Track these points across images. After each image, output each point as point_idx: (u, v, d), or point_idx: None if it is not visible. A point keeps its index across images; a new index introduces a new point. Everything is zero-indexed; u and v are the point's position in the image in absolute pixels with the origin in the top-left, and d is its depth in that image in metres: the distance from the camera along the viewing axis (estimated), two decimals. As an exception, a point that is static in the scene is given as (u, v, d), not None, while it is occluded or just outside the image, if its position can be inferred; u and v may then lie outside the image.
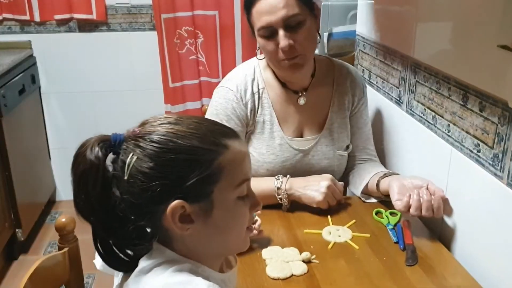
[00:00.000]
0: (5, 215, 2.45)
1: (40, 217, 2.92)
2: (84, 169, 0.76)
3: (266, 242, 1.22)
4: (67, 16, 2.82)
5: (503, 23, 0.99)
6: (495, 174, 1.05)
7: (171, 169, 0.73)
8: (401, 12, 1.51)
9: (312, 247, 1.20)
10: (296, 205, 1.38)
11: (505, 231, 1.04)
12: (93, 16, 2.82)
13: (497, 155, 1.04)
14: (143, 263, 0.77)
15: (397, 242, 1.23)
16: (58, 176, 3.15)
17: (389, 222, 1.30)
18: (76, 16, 2.82)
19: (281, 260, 1.14)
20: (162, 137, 0.74)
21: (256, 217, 1.20)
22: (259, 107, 1.44)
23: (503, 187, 1.02)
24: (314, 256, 1.16)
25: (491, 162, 1.06)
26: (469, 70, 1.14)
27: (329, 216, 1.33)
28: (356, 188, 1.45)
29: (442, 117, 1.25)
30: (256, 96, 1.43)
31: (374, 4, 1.72)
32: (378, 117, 1.64)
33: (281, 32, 1.31)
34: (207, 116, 1.43)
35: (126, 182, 0.74)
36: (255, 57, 1.49)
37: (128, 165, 0.74)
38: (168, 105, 2.92)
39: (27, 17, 2.79)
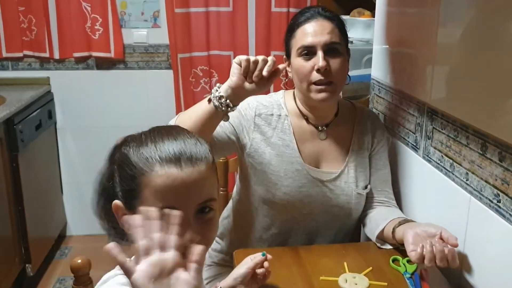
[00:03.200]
0: (15, 250, 2.45)
1: (50, 252, 2.91)
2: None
3: (278, 283, 1.20)
4: (85, 54, 2.88)
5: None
6: (516, 226, 1.04)
7: (117, 174, 0.88)
8: (417, 57, 1.53)
9: (328, 294, 1.18)
10: (311, 252, 1.36)
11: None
12: (111, 55, 2.88)
13: (517, 206, 1.03)
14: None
15: (414, 291, 1.21)
16: (70, 211, 3.16)
17: (406, 271, 1.28)
18: (94, 54, 2.88)
19: (297, 308, 1.12)
20: (131, 144, 0.87)
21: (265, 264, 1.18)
22: (278, 129, 1.46)
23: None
24: (330, 304, 1.14)
25: (511, 213, 1.05)
26: (487, 119, 1.14)
27: (345, 263, 1.32)
28: (372, 233, 1.44)
29: (460, 165, 1.25)
30: (276, 119, 1.47)
31: (389, 49, 1.74)
32: (394, 161, 1.63)
33: (320, 53, 1.36)
34: None
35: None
36: (281, 91, 1.55)
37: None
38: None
39: (47, 55, 2.86)
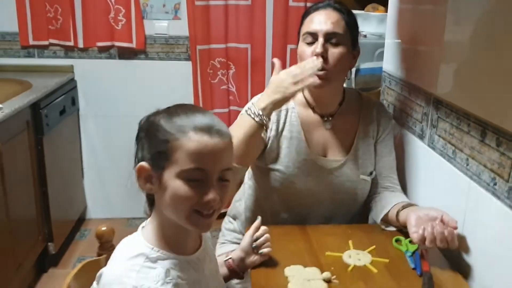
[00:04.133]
0: (39, 229, 2.57)
1: (70, 233, 3.02)
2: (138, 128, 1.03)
3: (288, 261, 1.29)
4: (108, 43, 2.99)
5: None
6: (510, 206, 1.11)
7: (145, 138, 0.97)
8: (426, 52, 1.60)
9: (332, 268, 1.26)
10: (318, 231, 1.45)
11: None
12: (133, 45, 2.98)
13: None
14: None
15: (414, 269, 1.29)
16: (90, 195, 3.27)
17: (407, 250, 1.36)
18: (117, 44, 2.98)
19: (303, 278, 1.21)
20: (158, 114, 0.98)
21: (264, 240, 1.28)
22: (287, 123, 1.54)
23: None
24: (334, 277, 1.23)
25: (506, 195, 1.13)
26: (487, 108, 1.21)
27: (350, 241, 1.40)
28: (377, 216, 1.52)
29: (462, 151, 1.32)
30: (284, 113, 1.54)
31: (400, 43, 1.81)
32: (401, 149, 1.71)
33: (320, 40, 1.44)
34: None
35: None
36: None
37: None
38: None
39: (72, 43, 2.97)
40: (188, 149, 0.92)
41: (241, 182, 1.85)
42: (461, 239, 1.29)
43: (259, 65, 3.02)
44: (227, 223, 1.78)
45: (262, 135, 1.40)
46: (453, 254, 1.34)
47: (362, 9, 2.42)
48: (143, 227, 1.03)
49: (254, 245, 1.27)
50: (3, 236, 2.18)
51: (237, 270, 1.27)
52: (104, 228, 1.21)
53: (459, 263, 1.31)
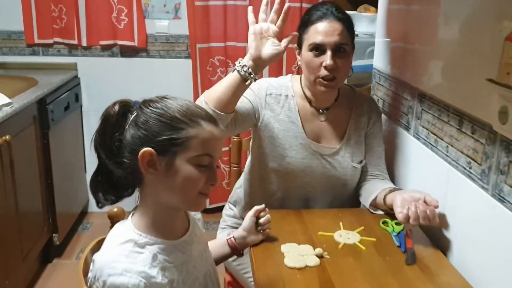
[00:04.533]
0: (44, 220, 2.67)
1: (73, 226, 3.13)
2: (105, 116, 1.08)
3: (284, 239, 1.41)
4: (111, 42, 3.10)
5: (490, 61, 1.19)
6: (483, 187, 1.23)
7: (153, 125, 1.02)
8: (412, 50, 1.72)
9: (324, 246, 1.38)
10: (312, 214, 1.57)
11: (490, 236, 1.21)
12: (135, 43, 3.10)
13: (484, 171, 1.23)
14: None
15: (399, 246, 1.41)
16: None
17: (393, 230, 1.48)
18: (119, 42, 3.10)
19: (298, 254, 1.33)
20: (158, 105, 1.04)
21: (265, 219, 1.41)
22: (285, 108, 1.66)
23: (489, 198, 1.21)
24: (326, 253, 1.35)
25: (479, 177, 1.25)
26: (464, 100, 1.34)
27: (341, 223, 1.52)
28: (366, 200, 1.64)
29: (442, 139, 1.45)
30: (284, 99, 1.67)
31: (389, 42, 1.94)
32: (389, 140, 1.83)
33: (329, 53, 1.56)
34: None
35: (126, 130, 1.04)
36: (289, 75, 1.76)
37: (129, 118, 1.05)
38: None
39: (75, 42, 3.08)
40: (202, 137, 1.03)
41: (240, 172, 1.97)
42: (442, 217, 1.42)
43: (257, 63, 3.13)
44: (228, 210, 1.90)
45: (250, 101, 1.59)
46: (434, 232, 1.46)
47: (355, 9, 2.54)
48: (132, 214, 1.10)
49: (259, 225, 1.39)
50: (12, 227, 2.28)
51: (238, 248, 1.38)
52: (115, 210, 1.32)
53: (440, 240, 1.44)
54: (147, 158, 1.02)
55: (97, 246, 1.23)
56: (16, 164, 2.28)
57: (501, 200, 1.16)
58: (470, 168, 1.29)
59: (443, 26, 1.49)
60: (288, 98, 1.68)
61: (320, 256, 1.33)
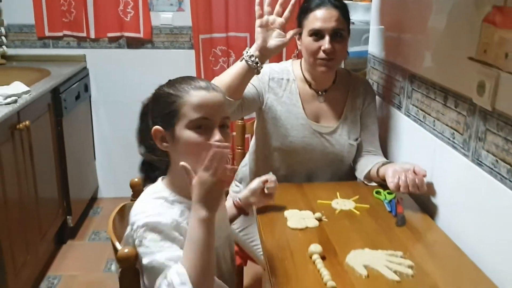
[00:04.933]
0: (60, 203, 2.82)
1: (84, 210, 3.28)
2: (142, 105, 1.31)
3: (287, 207, 1.56)
4: (118, 34, 3.24)
5: (470, 42, 1.33)
6: (464, 154, 1.38)
7: (155, 106, 1.21)
8: (404, 36, 1.87)
9: (323, 211, 1.53)
10: (312, 186, 1.72)
11: (471, 196, 1.36)
12: (141, 35, 3.23)
13: (465, 140, 1.38)
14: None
15: (390, 211, 1.56)
16: (101, 176, 3.53)
17: (385, 199, 1.63)
18: (126, 34, 3.24)
19: (299, 217, 1.48)
20: (159, 89, 1.23)
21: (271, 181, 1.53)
22: (286, 91, 1.81)
23: (469, 163, 1.36)
24: (324, 217, 1.50)
25: (461, 146, 1.40)
26: (448, 77, 1.48)
27: (337, 193, 1.67)
28: (361, 173, 1.79)
29: (430, 115, 1.59)
30: (285, 82, 1.81)
31: (383, 29, 2.08)
32: (383, 120, 1.98)
33: (327, 38, 1.70)
34: None
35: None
36: (290, 60, 1.92)
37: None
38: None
39: (84, 34, 3.22)
40: (192, 103, 1.15)
41: (244, 154, 2.12)
42: (430, 185, 1.57)
43: (257, 52, 3.27)
44: (234, 187, 2.04)
45: (254, 86, 1.73)
46: (423, 200, 1.61)
47: (351, -1, 2.69)
48: (162, 179, 1.26)
49: (266, 188, 1.51)
50: (32, 208, 2.43)
51: (243, 207, 1.53)
52: (136, 179, 1.46)
53: (428, 206, 1.59)
54: (158, 135, 1.19)
55: (121, 211, 1.39)
56: (34, 150, 2.42)
57: (479, 164, 1.31)
58: (454, 138, 1.44)
59: (430, 12, 1.64)
60: (290, 82, 1.83)
61: (319, 220, 1.48)
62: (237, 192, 2.02)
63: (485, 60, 1.26)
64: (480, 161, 1.31)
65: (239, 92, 1.62)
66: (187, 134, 1.15)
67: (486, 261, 1.27)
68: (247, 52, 1.59)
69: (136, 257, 1.12)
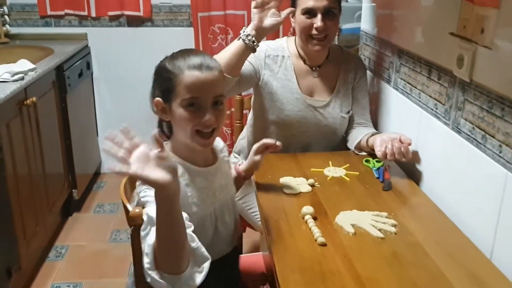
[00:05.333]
0: (65, 177, 2.94)
1: (89, 185, 3.40)
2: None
3: (282, 175, 1.67)
4: (118, 12, 3.31)
5: (452, 18, 1.43)
6: (445, 123, 1.49)
7: (156, 79, 1.30)
8: (394, 13, 1.96)
9: (315, 178, 1.65)
10: (306, 156, 1.83)
11: (451, 162, 1.48)
12: (141, 13, 3.31)
13: (447, 109, 1.49)
14: None
15: (378, 178, 1.67)
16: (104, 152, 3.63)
17: (374, 166, 1.75)
18: (126, 12, 3.31)
19: (293, 184, 1.60)
20: (165, 59, 1.30)
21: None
22: (282, 67, 1.90)
23: (450, 131, 1.47)
24: (317, 183, 1.61)
25: (443, 115, 1.51)
26: (432, 51, 1.58)
27: (330, 162, 1.78)
28: (352, 144, 1.90)
29: (416, 87, 1.70)
30: (281, 59, 1.91)
31: (374, 7, 2.16)
32: (374, 93, 2.08)
33: (319, 16, 1.80)
34: None
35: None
36: (285, 37, 2.01)
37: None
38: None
39: (85, 13, 3.29)
40: (185, 83, 1.23)
41: (242, 127, 2.22)
42: (415, 153, 1.68)
43: (255, 30, 3.35)
44: (233, 158, 2.16)
45: (251, 63, 1.83)
46: (409, 167, 1.73)
47: (345, -23, 2.76)
48: (166, 143, 1.35)
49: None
50: (39, 181, 2.54)
51: (241, 172, 1.60)
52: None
53: (414, 172, 1.71)
54: (159, 106, 1.28)
55: (130, 179, 1.49)
56: (41, 125, 2.52)
57: (459, 131, 1.42)
58: (437, 109, 1.55)
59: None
60: (285, 59, 1.92)
61: (312, 185, 1.60)
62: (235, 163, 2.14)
63: (464, 35, 1.36)
64: (459, 129, 1.42)
65: (237, 69, 1.72)
66: (179, 111, 1.25)
67: (464, 220, 1.40)
68: (244, 31, 1.68)
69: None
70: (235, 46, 1.68)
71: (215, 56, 1.73)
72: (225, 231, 1.41)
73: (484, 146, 1.30)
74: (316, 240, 1.29)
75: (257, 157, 1.57)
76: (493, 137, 1.25)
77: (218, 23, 3.32)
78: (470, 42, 1.33)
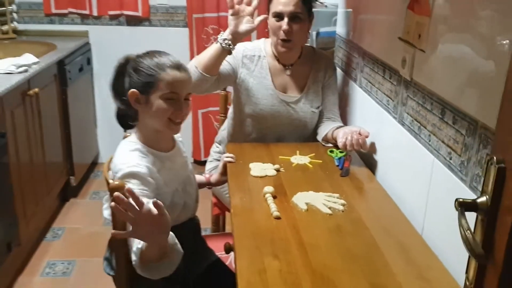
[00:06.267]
0: (64, 164, 3.16)
1: (86, 173, 3.61)
2: (116, 66, 1.55)
3: (254, 161, 1.87)
4: (118, 12, 3.53)
5: (400, 24, 1.63)
6: (394, 117, 1.70)
7: (135, 73, 1.46)
8: (359, 18, 2.16)
9: (282, 164, 1.85)
10: (277, 146, 2.04)
11: (397, 151, 1.68)
12: (139, 13, 3.53)
13: (395, 105, 1.69)
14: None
15: (338, 166, 1.87)
16: (101, 143, 3.85)
17: (336, 156, 1.95)
18: (125, 12, 3.53)
19: (261, 168, 1.80)
20: (141, 58, 1.48)
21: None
22: (257, 66, 2.10)
23: (397, 124, 1.67)
24: (282, 168, 1.82)
25: (392, 110, 1.71)
26: (386, 54, 1.79)
27: (297, 151, 1.98)
28: (320, 136, 2.10)
29: (374, 85, 1.91)
30: (257, 58, 2.11)
31: (347, 12, 2.37)
32: (344, 91, 2.28)
33: (285, 19, 1.99)
34: None
35: (125, 77, 1.50)
36: (262, 38, 2.21)
37: (128, 69, 1.50)
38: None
39: (87, 12, 3.52)
40: (167, 79, 1.45)
41: (225, 118, 2.42)
42: (372, 144, 1.88)
43: (246, 31, 3.56)
44: (214, 148, 2.36)
45: (229, 63, 2.03)
46: (368, 157, 1.93)
47: (327, -16, 2.96)
48: (131, 134, 1.55)
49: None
50: (39, 167, 2.76)
51: (211, 182, 1.90)
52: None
53: (371, 162, 1.91)
54: (134, 96, 1.47)
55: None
56: (42, 115, 2.74)
57: (402, 124, 1.62)
58: (388, 104, 1.75)
59: (378, 0, 1.94)
60: (261, 58, 2.12)
61: (277, 170, 1.81)
62: (216, 151, 2.34)
63: (407, 39, 1.56)
64: (403, 122, 1.62)
65: (215, 69, 1.94)
66: (159, 103, 1.46)
67: (403, 200, 1.60)
68: (221, 35, 1.89)
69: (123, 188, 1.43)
70: (213, 48, 1.89)
71: (196, 57, 1.94)
72: (190, 200, 1.61)
73: (419, 136, 1.50)
74: (272, 214, 1.50)
75: (225, 178, 1.85)
76: (425, 127, 1.45)
77: (211, 24, 3.53)
78: (411, 45, 1.53)
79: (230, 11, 1.90)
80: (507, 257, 0.77)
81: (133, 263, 1.32)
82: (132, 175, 1.42)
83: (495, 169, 0.79)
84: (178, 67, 1.47)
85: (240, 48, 2.11)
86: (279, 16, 2.01)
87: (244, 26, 1.89)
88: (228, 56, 2.01)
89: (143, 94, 1.47)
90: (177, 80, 1.46)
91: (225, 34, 1.89)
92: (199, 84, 1.93)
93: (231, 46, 1.89)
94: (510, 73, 0.78)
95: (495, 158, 0.80)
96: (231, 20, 1.89)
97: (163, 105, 1.45)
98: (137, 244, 1.30)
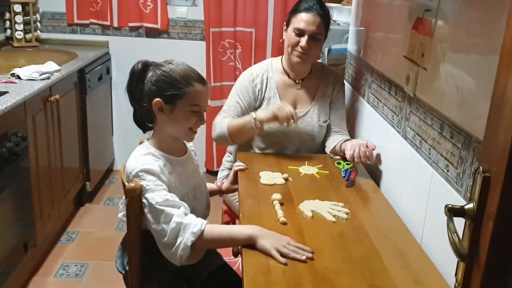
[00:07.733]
0: (80, 169, 3.26)
1: (101, 179, 3.71)
2: (132, 72, 1.61)
3: (263, 169, 1.95)
4: (138, 24, 3.66)
5: (405, 43, 1.71)
6: (398, 132, 1.77)
7: (162, 84, 1.52)
8: (368, 37, 2.25)
9: (290, 174, 1.93)
10: (286, 157, 2.12)
11: (401, 164, 1.75)
12: (158, 26, 3.65)
13: (399, 120, 1.76)
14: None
15: (344, 177, 1.95)
16: (117, 150, 3.96)
17: (343, 168, 2.02)
18: (145, 24, 3.65)
19: (270, 176, 1.88)
20: (165, 68, 1.54)
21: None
22: (267, 88, 2.19)
23: (400, 138, 1.74)
24: (291, 177, 1.89)
25: (397, 125, 1.78)
26: (393, 71, 1.87)
27: (306, 162, 2.06)
28: (328, 148, 2.18)
29: (380, 101, 1.99)
30: (265, 81, 2.20)
31: (358, 31, 2.46)
32: (352, 106, 2.36)
33: (306, 37, 2.09)
34: (235, 85, 2.24)
35: (145, 84, 1.56)
36: (269, 58, 2.30)
37: (147, 75, 1.56)
38: (209, 100, 3.71)
39: (108, 23, 3.64)
40: (194, 93, 1.54)
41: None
42: (378, 157, 1.96)
43: (262, 46, 3.67)
44: (226, 157, 2.45)
45: (245, 101, 2.17)
46: (374, 169, 2.00)
47: (339, 2, 3.05)
48: (147, 139, 1.64)
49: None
50: (57, 170, 2.86)
51: (222, 189, 1.97)
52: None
53: (376, 174, 1.98)
54: (158, 105, 1.54)
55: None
56: (62, 121, 2.85)
57: (405, 138, 1.70)
58: (393, 119, 1.83)
59: (384, 20, 2.02)
60: (269, 78, 2.21)
61: (286, 179, 1.88)
62: (227, 160, 2.43)
63: (411, 58, 1.65)
64: (406, 136, 1.69)
65: (240, 140, 2.16)
66: (184, 113, 1.55)
67: (404, 211, 1.66)
68: (255, 115, 2.04)
69: (139, 190, 1.52)
70: (246, 127, 2.06)
71: (230, 124, 2.11)
72: (199, 206, 1.69)
73: (420, 149, 1.57)
74: (278, 220, 1.57)
75: (236, 186, 1.92)
76: (426, 142, 1.53)
77: (228, 38, 3.64)
78: (415, 64, 1.61)
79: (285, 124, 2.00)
80: (489, 258, 0.84)
81: (185, 241, 1.44)
82: (146, 171, 1.50)
83: (480, 177, 0.86)
84: (202, 80, 1.56)
85: (248, 72, 2.22)
86: (300, 32, 2.10)
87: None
88: (243, 93, 2.16)
89: (167, 104, 1.54)
90: (202, 93, 1.56)
91: (260, 116, 2.03)
92: (223, 143, 2.19)
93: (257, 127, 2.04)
94: (495, 90, 0.86)
95: (481, 167, 0.87)
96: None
97: (188, 115, 1.55)
98: (199, 226, 1.44)
